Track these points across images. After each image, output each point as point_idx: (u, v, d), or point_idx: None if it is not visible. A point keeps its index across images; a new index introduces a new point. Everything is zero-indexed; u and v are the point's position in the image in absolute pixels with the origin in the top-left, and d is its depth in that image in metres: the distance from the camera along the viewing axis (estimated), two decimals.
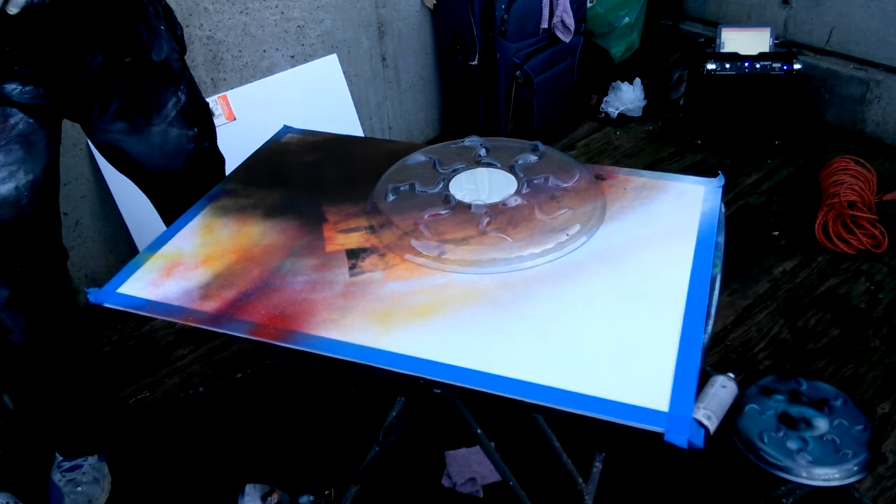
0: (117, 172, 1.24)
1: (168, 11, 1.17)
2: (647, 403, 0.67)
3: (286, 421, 1.48)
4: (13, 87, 0.98)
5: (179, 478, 1.38)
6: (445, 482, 1.33)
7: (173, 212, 1.15)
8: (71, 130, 1.63)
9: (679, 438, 0.64)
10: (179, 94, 1.18)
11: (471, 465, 1.34)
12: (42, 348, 1.16)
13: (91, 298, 0.84)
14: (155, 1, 1.14)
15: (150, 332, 1.74)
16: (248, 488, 1.25)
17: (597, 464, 1.32)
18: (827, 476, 1.21)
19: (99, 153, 1.21)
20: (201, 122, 1.24)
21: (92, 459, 1.34)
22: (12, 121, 0.99)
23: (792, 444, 1.24)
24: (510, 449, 1.33)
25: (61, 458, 1.33)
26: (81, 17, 1.00)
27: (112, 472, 1.37)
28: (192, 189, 1.19)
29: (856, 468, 1.21)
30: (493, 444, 1.03)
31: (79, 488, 1.30)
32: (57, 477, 1.32)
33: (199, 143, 1.23)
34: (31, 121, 1.01)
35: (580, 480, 1.26)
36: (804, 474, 1.21)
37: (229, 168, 1.12)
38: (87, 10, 1.01)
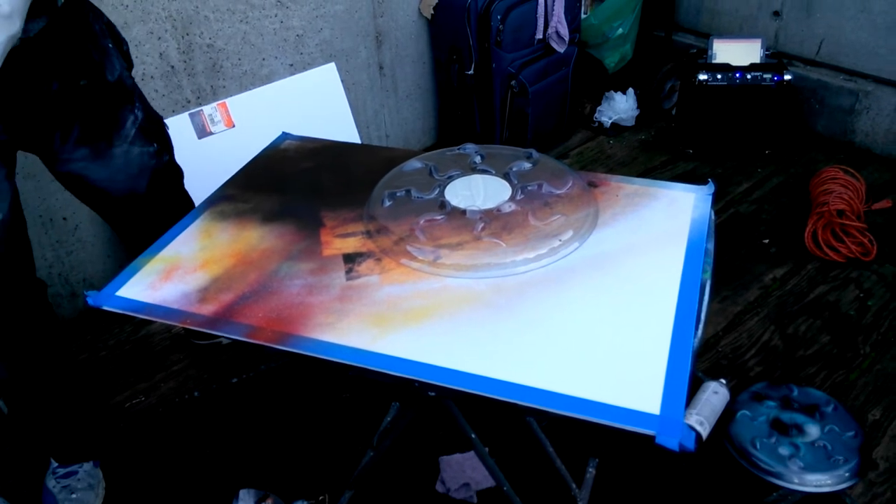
0: None
1: (112, 28, 1.15)
2: (639, 406, 0.68)
3: (281, 426, 1.49)
4: None
5: (174, 483, 1.38)
6: (439, 488, 1.34)
7: (139, 236, 1.14)
8: None
9: (670, 441, 0.65)
10: (136, 111, 1.16)
11: (465, 471, 1.34)
12: (26, 380, 1.15)
13: (90, 301, 0.85)
14: (99, 19, 1.11)
15: (147, 336, 1.74)
16: (243, 493, 1.26)
17: (590, 469, 1.33)
18: (819, 482, 1.22)
19: (61, 184, 1.17)
20: (159, 136, 1.22)
21: (87, 466, 1.34)
22: None
23: (784, 451, 1.25)
24: (504, 454, 1.34)
25: (56, 465, 1.33)
26: (40, 45, 0.98)
27: (106, 477, 1.37)
28: (157, 208, 1.19)
29: (847, 474, 1.22)
30: (487, 449, 1.04)
31: (73, 495, 1.30)
32: (52, 483, 1.32)
33: (159, 158, 1.21)
34: None
35: (574, 486, 1.27)
36: (796, 480, 1.22)
37: (228, 173, 1.13)
38: (44, 38, 0.98)
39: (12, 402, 1.27)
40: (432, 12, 2.23)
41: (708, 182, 1.00)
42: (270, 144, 1.22)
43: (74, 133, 1.08)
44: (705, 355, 1.61)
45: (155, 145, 1.20)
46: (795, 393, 1.36)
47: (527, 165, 1.04)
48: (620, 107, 2.59)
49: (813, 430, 1.28)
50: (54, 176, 1.15)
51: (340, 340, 0.77)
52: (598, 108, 2.63)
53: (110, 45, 1.12)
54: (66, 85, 1.04)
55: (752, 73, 2.25)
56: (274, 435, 1.47)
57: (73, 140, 1.08)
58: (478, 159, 1.07)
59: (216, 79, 1.86)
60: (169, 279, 0.89)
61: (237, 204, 1.05)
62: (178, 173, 1.31)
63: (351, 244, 0.93)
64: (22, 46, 0.93)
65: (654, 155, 2.46)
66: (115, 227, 1.30)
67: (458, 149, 1.10)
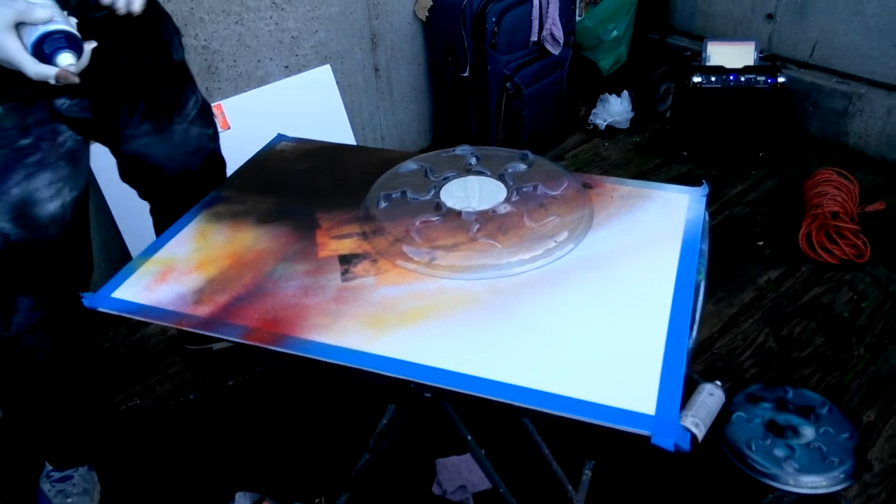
0: (112, 180, 1.25)
1: (170, 18, 1.19)
2: (634, 407, 0.68)
3: (277, 429, 1.48)
4: (62, 102, 0.98)
5: (170, 486, 1.38)
6: (436, 490, 1.34)
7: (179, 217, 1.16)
8: None
9: (665, 441, 0.65)
10: (197, 93, 1.21)
11: (461, 473, 1.34)
12: (65, 366, 1.15)
13: (86, 303, 0.85)
14: (162, 6, 1.16)
15: (142, 339, 1.74)
16: (239, 496, 1.25)
17: (586, 471, 1.33)
18: (814, 484, 1.22)
19: (118, 170, 1.21)
20: (213, 123, 1.27)
21: (82, 470, 1.33)
22: (61, 138, 0.99)
23: (779, 452, 1.25)
24: (500, 456, 1.34)
25: (51, 468, 1.32)
26: (116, 21, 1.00)
27: (101, 480, 1.37)
28: (204, 191, 1.19)
29: (842, 476, 1.22)
30: (483, 451, 1.04)
31: (68, 500, 1.29)
32: (46, 487, 1.31)
33: (214, 142, 1.25)
34: (78, 137, 1.02)
35: (570, 488, 1.27)
36: (791, 482, 1.22)
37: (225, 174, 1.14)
38: (117, 15, 1.01)
39: (7, 406, 1.26)
40: (427, 14, 2.24)
41: (702, 184, 1.00)
42: (266, 146, 1.22)
43: (140, 108, 1.11)
44: (700, 357, 1.62)
45: (211, 129, 1.25)
46: (790, 395, 1.37)
47: (522, 167, 1.05)
48: (615, 109, 2.60)
49: (808, 432, 1.29)
50: (116, 158, 1.18)
51: (336, 342, 0.77)
52: (593, 110, 2.63)
53: (173, 29, 1.16)
54: (136, 60, 1.08)
55: (746, 76, 2.26)
56: (270, 437, 1.46)
57: (139, 114, 1.11)
58: (473, 161, 1.07)
59: (211, 80, 1.86)
60: (164, 281, 0.89)
61: (232, 205, 1.04)
62: (223, 162, 1.34)
63: (346, 245, 0.93)
64: (100, 21, 0.96)
65: (649, 157, 2.47)
66: (158, 211, 1.33)
67: (454, 150, 1.10)
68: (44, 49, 0.81)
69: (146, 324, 1.68)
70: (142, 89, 1.10)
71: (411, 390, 0.82)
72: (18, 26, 0.81)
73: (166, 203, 1.30)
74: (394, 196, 0.99)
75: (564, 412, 0.68)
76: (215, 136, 1.27)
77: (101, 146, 1.16)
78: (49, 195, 0.99)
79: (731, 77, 2.26)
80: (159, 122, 1.15)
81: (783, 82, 2.24)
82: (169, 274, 0.90)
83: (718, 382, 1.05)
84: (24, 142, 0.96)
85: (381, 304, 0.82)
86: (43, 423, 1.25)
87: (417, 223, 0.93)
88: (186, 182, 1.23)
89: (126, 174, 1.24)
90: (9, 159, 0.95)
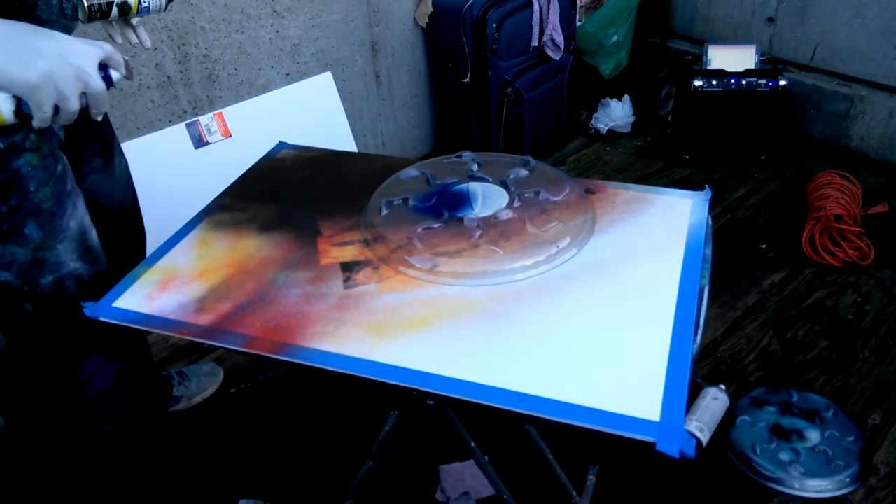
0: None
1: None
2: (638, 413, 0.68)
3: (279, 436, 1.48)
4: (59, 126, 0.91)
5: (173, 493, 1.37)
6: (439, 496, 1.33)
7: (123, 253, 1.11)
8: None
9: (670, 448, 0.64)
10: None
11: (465, 480, 1.34)
12: (132, 436, 1.07)
13: (87, 312, 0.85)
14: None
15: None
16: (243, 503, 1.25)
17: (590, 477, 1.32)
18: (820, 487, 1.21)
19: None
20: None
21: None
22: (65, 159, 0.92)
23: (784, 456, 1.24)
24: (504, 462, 1.33)
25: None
26: None
27: (100, 487, 1.36)
28: (138, 223, 1.19)
29: (848, 479, 1.21)
30: (486, 457, 1.04)
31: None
32: None
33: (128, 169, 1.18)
34: (65, 161, 0.95)
35: (574, 494, 1.26)
36: (797, 486, 1.22)
37: (225, 183, 1.13)
38: None
39: (9, 415, 1.25)
40: (428, 21, 2.24)
41: (704, 188, 1.00)
42: (267, 154, 1.22)
43: (94, 142, 1.06)
44: (705, 361, 1.61)
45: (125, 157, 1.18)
46: (795, 398, 1.36)
47: (524, 172, 1.04)
48: (616, 113, 2.60)
49: (813, 436, 1.28)
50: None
51: (338, 349, 0.77)
52: (595, 114, 2.64)
53: None
54: None
55: (748, 79, 2.26)
56: (273, 445, 1.46)
57: (94, 149, 1.06)
58: (475, 167, 1.07)
59: (212, 89, 1.87)
60: (166, 289, 0.88)
61: (234, 213, 1.04)
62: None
63: (348, 253, 0.93)
64: None
65: (651, 161, 2.47)
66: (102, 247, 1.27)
67: (455, 156, 1.10)
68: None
69: (148, 332, 1.68)
70: (92, 122, 1.02)
71: (414, 398, 0.82)
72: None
73: (111, 240, 1.16)
74: (395, 203, 0.99)
75: (568, 419, 0.68)
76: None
77: None
78: (90, 221, 0.94)
79: (733, 80, 2.26)
80: (106, 157, 1.09)
81: (784, 85, 2.24)
82: (171, 282, 0.90)
83: (723, 386, 1.04)
84: (59, 168, 0.89)
85: (384, 311, 0.82)
86: (42, 433, 1.17)
87: (419, 230, 0.93)
88: (123, 219, 1.17)
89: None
90: (57, 190, 0.88)
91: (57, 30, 0.83)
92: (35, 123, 0.77)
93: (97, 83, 0.79)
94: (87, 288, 0.92)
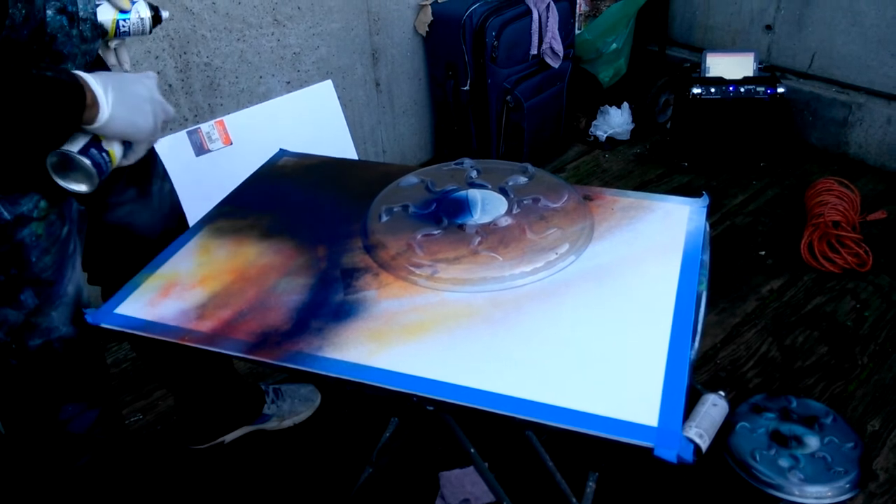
0: None
1: None
2: (637, 419, 0.68)
3: (279, 442, 1.48)
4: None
5: (172, 499, 1.37)
6: (439, 503, 1.33)
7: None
8: None
9: (668, 453, 0.65)
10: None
11: (465, 486, 1.34)
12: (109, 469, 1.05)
13: (89, 319, 0.85)
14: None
15: None
16: None
17: (590, 483, 1.32)
18: (819, 494, 1.22)
19: (95, 247, 1.03)
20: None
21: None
22: (74, 210, 0.90)
23: (784, 462, 1.25)
24: (504, 469, 1.33)
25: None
26: None
27: (100, 495, 1.36)
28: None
29: (847, 486, 1.22)
30: (486, 464, 1.04)
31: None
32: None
33: (174, 191, 1.16)
34: (81, 207, 0.93)
35: (574, 500, 1.26)
36: (797, 492, 1.22)
37: (226, 190, 1.14)
38: None
39: (9, 422, 1.24)
40: (427, 29, 2.26)
41: (702, 195, 1.00)
42: (268, 161, 1.23)
43: (126, 172, 0.98)
44: (704, 367, 1.61)
45: (170, 180, 1.16)
46: (794, 404, 1.36)
47: (523, 180, 1.05)
48: (615, 121, 2.61)
49: (812, 442, 1.28)
50: (99, 229, 1.03)
51: (339, 356, 0.78)
52: (594, 122, 2.65)
53: None
54: None
55: (746, 87, 2.27)
56: (272, 451, 1.46)
57: (125, 180, 1.03)
58: (474, 174, 1.07)
59: (213, 97, 1.88)
60: (167, 296, 0.89)
61: (235, 220, 1.05)
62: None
63: (349, 259, 0.93)
64: None
65: (650, 168, 2.48)
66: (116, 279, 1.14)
67: (455, 164, 1.11)
68: None
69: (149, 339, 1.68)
70: None
71: (414, 404, 0.82)
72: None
73: (133, 269, 1.07)
74: (395, 210, 0.99)
75: (566, 424, 0.68)
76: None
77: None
78: (85, 277, 0.93)
79: (731, 88, 2.28)
80: (142, 186, 1.06)
81: (783, 93, 2.25)
82: (172, 289, 0.90)
83: (722, 393, 1.04)
84: (64, 231, 0.87)
85: (384, 317, 0.82)
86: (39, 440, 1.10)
87: (419, 236, 0.93)
88: (168, 240, 1.10)
89: (112, 250, 1.07)
90: (59, 257, 0.86)
91: (80, 60, 0.85)
92: (127, 162, 0.85)
93: (170, 109, 0.87)
94: (74, 346, 0.92)
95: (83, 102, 0.75)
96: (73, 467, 1.01)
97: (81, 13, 0.82)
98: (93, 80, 0.76)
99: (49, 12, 0.77)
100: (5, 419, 1.20)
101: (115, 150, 0.83)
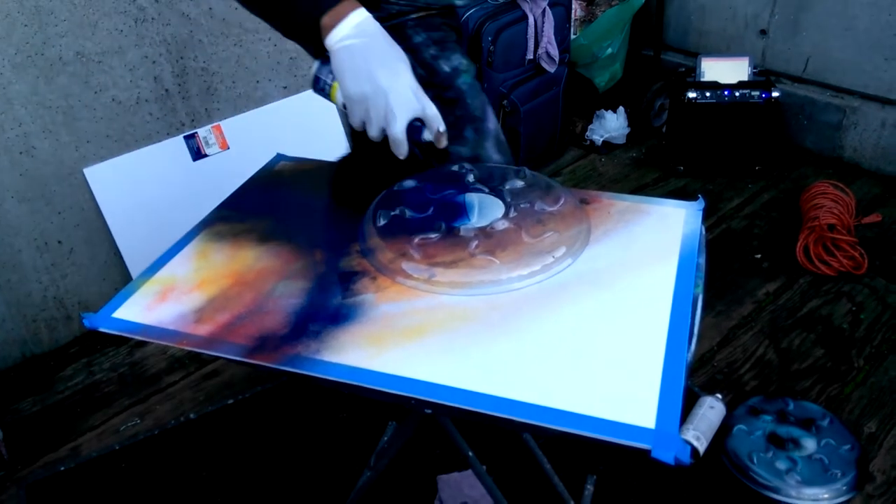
0: (112, 201, 1.22)
1: None
2: (634, 421, 0.68)
3: (277, 447, 1.48)
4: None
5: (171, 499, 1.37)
6: None
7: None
8: (67, 160, 1.65)
9: (666, 455, 0.65)
10: None
11: (463, 490, 1.34)
12: None
13: (86, 323, 0.85)
14: None
15: (142, 358, 1.74)
16: None
17: (588, 486, 1.32)
18: (816, 496, 1.22)
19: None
20: None
21: None
22: (481, 84, 1.13)
23: (781, 465, 1.25)
24: (502, 472, 1.33)
25: None
26: None
27: (99, 500, 1.36)
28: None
29: (844, 488, 1.22)
30: (484, 467, 1.04)
31: None
32: None
33: None
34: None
35: (572, 503, 1.26)
36: (794, 494, 1.22)
37: (223, 195, 1.14)
38: None
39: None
40: None
41: (698, 198, 1.01)
42: (265, 166, 1.23)
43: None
44: (701, 370, 1.62)
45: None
46: (791, 407, 1.37)
47: (519, 183, 1.05)
48: (611, 125, 2.62)
49: (809, 444, 1.29)
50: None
51: (337, 359, 0.78)
52: (590, 126, 2.66)
53: None
54: None
55: (741, 91, 2.28)
56: (270, 456, 1.46)
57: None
58: (471, 178, 1.08)
59: (210, 102, 1.88)
60: (165, 300, 0.89)
61: (233, 225, 1.05)
62: None
63: (346, 263, 0.94)
64: None
65: (646, 172, 2.49)
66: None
67: (452, 168, 1.11)
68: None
69: (146, 343, 1.68)
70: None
71: (412, 407, 0.83)
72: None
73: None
74: (392, 213, 1.00)
75: (563, 426, 0.68)
76: None
77: (92, 170, 1.10)
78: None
79: (726, 92, 2.29)
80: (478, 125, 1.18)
81: (777, 97, 2.27)
82: (169, 293, 0.90)
83: (719, 395, 1.05)
84: (482, 86, 1.10)
85: (381, 321, 0.83)
86: None
87: (416, 240, 0.93)
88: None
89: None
90: (482, 101, 1.08)
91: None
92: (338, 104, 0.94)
93: (433, 110, 0.94)
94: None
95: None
96: None
97: None
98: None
99: None
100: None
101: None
